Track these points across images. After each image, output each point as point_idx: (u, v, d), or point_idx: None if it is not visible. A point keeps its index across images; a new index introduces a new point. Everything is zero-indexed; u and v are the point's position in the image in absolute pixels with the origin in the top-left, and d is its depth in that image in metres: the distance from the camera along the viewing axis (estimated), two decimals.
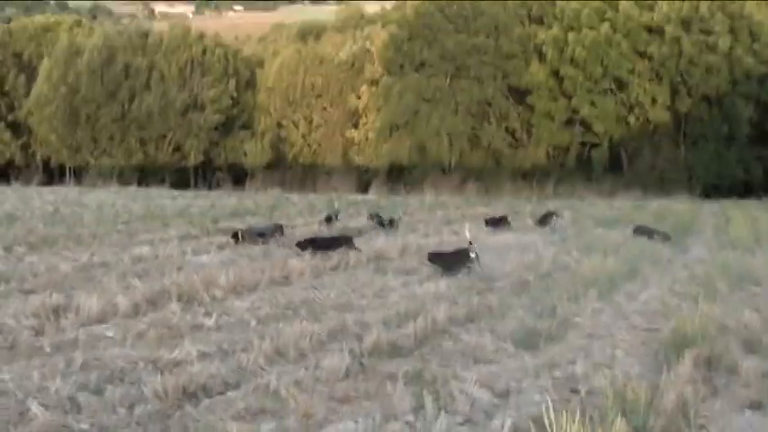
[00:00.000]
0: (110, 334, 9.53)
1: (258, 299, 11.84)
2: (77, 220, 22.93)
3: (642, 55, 46.14)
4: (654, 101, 46.43)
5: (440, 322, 10.11)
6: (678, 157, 46.67)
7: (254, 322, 10.38)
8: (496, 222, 22.93)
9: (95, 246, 17.46)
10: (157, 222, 23.08)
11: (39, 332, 9.56)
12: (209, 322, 10.20)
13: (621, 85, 47.06)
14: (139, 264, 15.01)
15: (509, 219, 23.52)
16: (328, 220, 22.61)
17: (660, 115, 46.37)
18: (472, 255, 14.37)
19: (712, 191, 43.45)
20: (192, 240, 19.21)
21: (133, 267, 14.42)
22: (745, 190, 43.70)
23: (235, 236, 18.51)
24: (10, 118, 56.94)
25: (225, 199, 36.85)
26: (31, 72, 57.07)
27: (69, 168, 55.52)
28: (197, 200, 36.16)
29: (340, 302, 11.67)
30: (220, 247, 17.77)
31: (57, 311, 10.33)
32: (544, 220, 23.99)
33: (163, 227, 21.73)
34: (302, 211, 28.81)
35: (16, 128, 57.22)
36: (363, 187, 49.15)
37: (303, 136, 54.75)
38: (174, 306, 10.80)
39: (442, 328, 10.05)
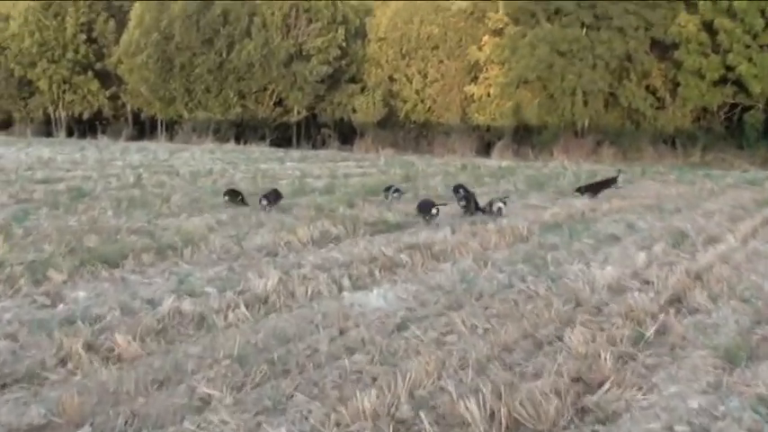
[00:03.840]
0: None
1: None
2: (163, 201, 15.68)
3: None
4: None
5: None
6: None
7: None
8: None
9: (185, 263, 9.97)
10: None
11: None
12: None
13: None
14: (265, 320, 7.38)
15: None
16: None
17: None
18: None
19: None
20: (338, 247, 11.57)
21: (255, 333, 6.84)
22: None
23: None
24: (98, 66, 52.56)
25: (341, 165, 29.69)
26: (121, 17, 52.11)
27: (161, 122, 50.46)
28: (308, 165, 29.18)
29: None
30: (390, 269, 9.89)
31: None
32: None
33: (282, 219, 14.26)
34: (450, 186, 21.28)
35: (105, 77, 52.76)
36: (484, 149, 42.85)
37: (417, 91, 47.27)
38: None
39: None
